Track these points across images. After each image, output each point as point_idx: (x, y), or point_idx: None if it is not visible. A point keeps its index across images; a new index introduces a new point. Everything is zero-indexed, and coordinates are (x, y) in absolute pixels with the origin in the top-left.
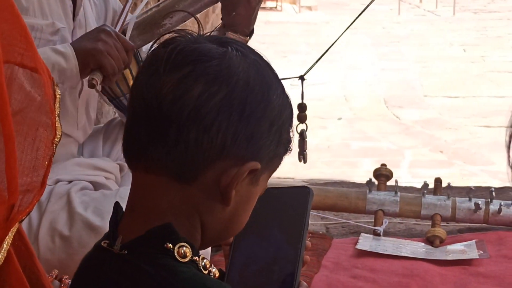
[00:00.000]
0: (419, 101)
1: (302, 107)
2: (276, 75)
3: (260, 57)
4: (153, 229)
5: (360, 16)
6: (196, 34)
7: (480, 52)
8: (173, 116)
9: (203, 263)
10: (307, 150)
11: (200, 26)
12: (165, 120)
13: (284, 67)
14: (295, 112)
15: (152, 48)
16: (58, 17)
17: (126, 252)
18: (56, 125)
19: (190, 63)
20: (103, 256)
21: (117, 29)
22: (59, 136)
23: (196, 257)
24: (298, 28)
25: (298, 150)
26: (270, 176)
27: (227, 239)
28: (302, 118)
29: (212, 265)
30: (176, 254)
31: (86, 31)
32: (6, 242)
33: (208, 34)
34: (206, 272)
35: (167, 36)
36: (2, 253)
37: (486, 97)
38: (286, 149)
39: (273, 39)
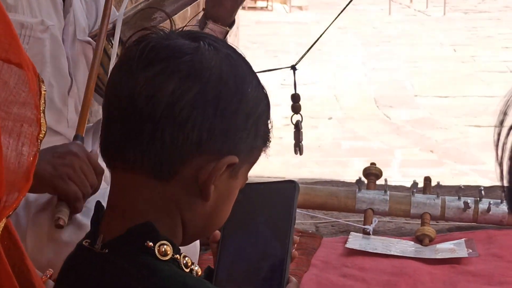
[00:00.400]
0: (409, 101)
1: (295, 97)
2: (250, 68)
3: (233, 50)
4: (134, 228)
5: (350, 15)
6: (168, 30)
7: (471, 52)
8: (147, 114)
9: (184, 261)
10: (302, 142)
11: (173, 22)
12: (139, 118)
13: (274, 67)
14: (289, 103)
15: (126, 46)
16: (48, 15)
17: (107, 251)
18: (41, 121)
19: (163, 60)
20: (85, 255)
21: (103, 30)
22: (44, 132)
23: (177, 255)
24: (288, 28)
25: (294, 142)
26: (250, 169)
27: (210, 234)
28: (296, 108)
29: (195, 263)
30: (156, 252)
31: (76, 29)
32: None
33: (181, 28)
34: (187, 270)
35: (140, 33)
36: None
37: (476, 96)
38: (265, 141)
39: (263, 38)
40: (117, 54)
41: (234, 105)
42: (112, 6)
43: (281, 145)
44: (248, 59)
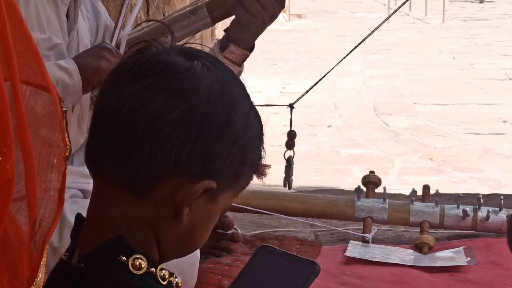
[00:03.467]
0: (408, 109)
1: (291, 135)
2: (244, 94)
3: (228, 74)
4: (107, 242)
5: (350, 25)
6: (168, 45)
7: (469, 59)
8: (128, 127)
9: (161, 274)
10: (292, 177)
11: (174, 37)
12: (120, 131)
13: (273, 75)
14: (288, 110)
15: (124, 56)
16: (55, 32)
17: (83, 265)
18: (66, 140)
19: (153, 75)
20: (63, 269)
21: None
22: (69, 151)
23: (153, 268)
24: (287, 36)
25: (284, 175)
26: (235, 196)
27: (185, 255)
28: (290, 146)
29: (175, 275)
30: (130, 266)
31: (79, 45)
32: (43, 262)
33: (185, 44)
34: (165, 282)
35: (141, 45)
36: (40, 274)
37: (475, 104)
38: (254, 169)
39: (262, 46)
40: None
41: (220, 130)
42: (112, 21)
43: (280, 153)
44: (247, 67)
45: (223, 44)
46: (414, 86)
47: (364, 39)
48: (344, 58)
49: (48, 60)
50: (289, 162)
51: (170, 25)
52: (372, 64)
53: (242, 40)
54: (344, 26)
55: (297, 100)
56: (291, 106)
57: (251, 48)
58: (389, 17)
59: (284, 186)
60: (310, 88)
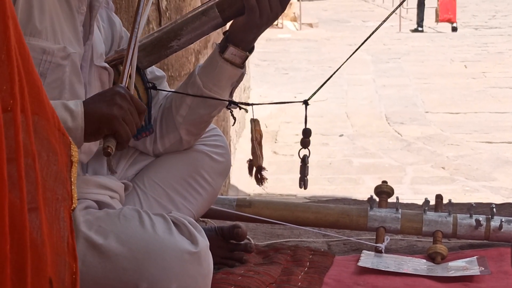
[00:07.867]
0: (420, 117)
1: (306, 132)
2: None
3: None
4: None
5: (361, 34)
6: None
7: (481, 68)
8: None
9: None
10: (308, 176)
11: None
12: None
13: (285, 84)
14: (300, 120)
15: None
16: (69, 42)
17: None
18: (72, 193)
19: None
20: None
21: (127, 64)
22: (74, 205)
23: None
24: (299, 45)
25: (299, 175)
26: None
27: None
28: (305, 144)
29: None
30: None
31: (93, 54)
32: None
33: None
34: None
35: None
36: None
37: (487, 113)
38: None
39: (274, 56)
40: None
41: None
42: (127, 31)
43: (292, 162)
44: (258, 76)
45: (222, 46)
46: (426, 95)
47: (372, 33)
48: (352, 54)
49: (63, 69)
50: (304, 161)
51: (182, 27)
52: (384, 73)
53: (243, 40)
54: (356, 35)
55: (311, 97)
56: (305, 102)
57: (251, 50)
58: (393, 11)
59: (300, 186)
60: (323, 84)
